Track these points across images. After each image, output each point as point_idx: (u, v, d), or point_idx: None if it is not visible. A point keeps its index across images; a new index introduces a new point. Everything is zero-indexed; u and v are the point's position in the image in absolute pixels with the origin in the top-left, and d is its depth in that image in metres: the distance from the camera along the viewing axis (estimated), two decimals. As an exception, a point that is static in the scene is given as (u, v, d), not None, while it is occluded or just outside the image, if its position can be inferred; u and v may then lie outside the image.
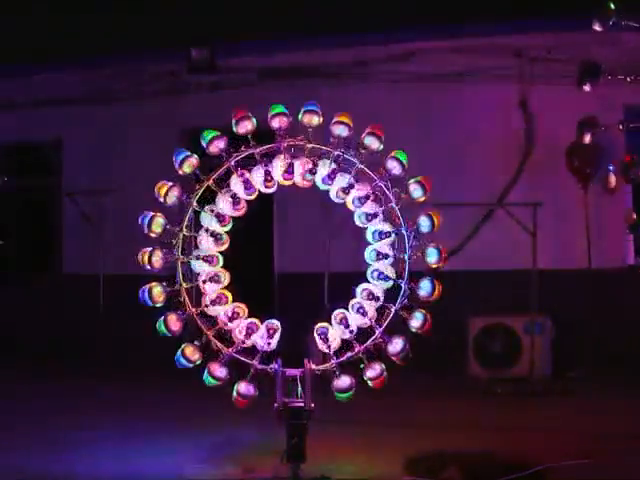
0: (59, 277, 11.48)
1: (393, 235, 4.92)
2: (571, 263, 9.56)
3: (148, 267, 4.96)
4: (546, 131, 9.72)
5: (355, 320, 4.94)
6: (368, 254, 4.93)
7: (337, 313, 4.96)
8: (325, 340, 4.91)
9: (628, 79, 4.95)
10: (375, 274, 4.93)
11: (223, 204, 4.95)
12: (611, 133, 8.86)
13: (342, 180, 4.94)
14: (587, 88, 5.06)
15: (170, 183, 5.01)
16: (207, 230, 4.98)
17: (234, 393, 4.96)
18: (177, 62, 10.41)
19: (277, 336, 4.98)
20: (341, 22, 9.81)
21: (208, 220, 4.98)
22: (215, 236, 4.93)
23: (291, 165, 4.90)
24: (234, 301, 5.04)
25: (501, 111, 9.88)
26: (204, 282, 4.95)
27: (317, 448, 5.14)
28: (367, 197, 4.89)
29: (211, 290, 4.98)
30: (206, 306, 4.98)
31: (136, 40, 10.13)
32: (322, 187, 5.00)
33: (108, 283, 10.22)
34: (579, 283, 9.32)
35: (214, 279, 4.97)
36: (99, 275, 10.27)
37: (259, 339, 4.96)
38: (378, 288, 4.97)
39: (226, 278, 5.00)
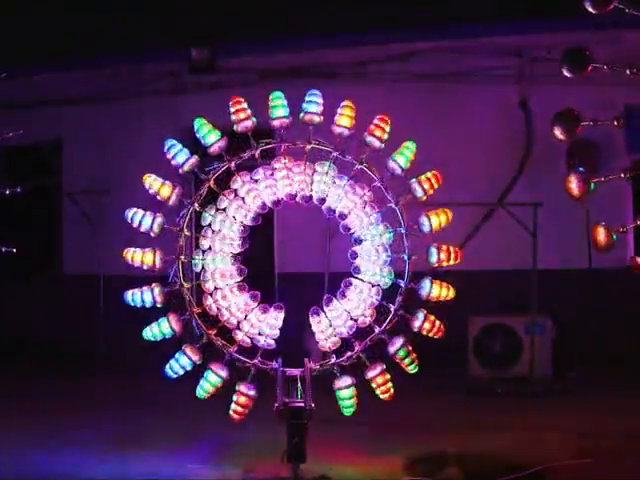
0: (59, 277, 11.48)
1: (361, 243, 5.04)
2: (571, 263, 9.56)
3: (145, 267, 5.00)
4: (546, 131, 9.69)
5: (341, 305, 5.01)
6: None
7: (324, 295, 5.08)
8: (317, 316, 4.98)
9: (628, 71, 4.89)
10: (352, 268, 5.11)
11: (243, 218, 5.05)
12: (611, 132, 8.88)
13: (334, 198, 5.04)
14: (565, 72, 5.00)
15: (168, 182, 5.05)
16: (219, 232, 5.02)
17: (234, 397, 4.99)
18: (177, 62, 10.41)
19: (282, 315, 5.04)
20: (341, 22, 9.81)
21: (228, 226, 5.03)
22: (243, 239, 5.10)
23: (294, 195, 5.07)
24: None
25: (501, 111, 9.88)
26: (239, 276, 5.09)
27: (317, 448, 5.15)
28: (345, 215, 5.06)
29: (223, 284, 5.06)
30: (231, 290, 5.07)
31: (136, 40, 10.13)
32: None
33: (108, 283, 10.21)
34: (579, 283, 9.32)
35: (242, 272, 5.10)
36: (99, 275, 10.27)
37: (266, 325, 5.00)
38: (362, 283, 5.03)
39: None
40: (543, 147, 9.70)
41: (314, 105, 4.99)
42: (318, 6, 9.69)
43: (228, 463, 5.88)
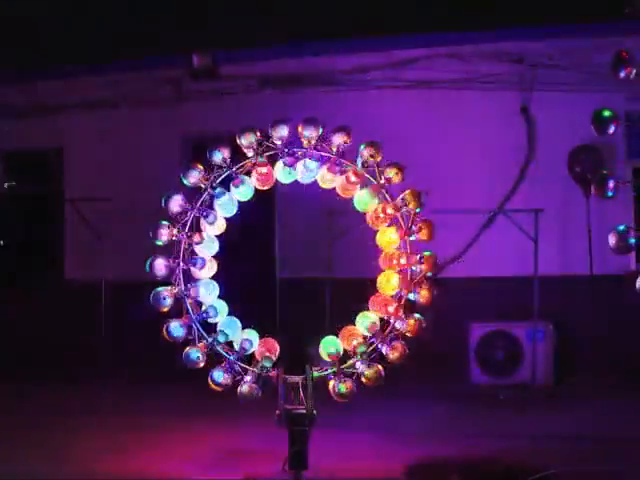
0: (60, 283, 11.47)
1: None
2: (573, 269, 9.55)
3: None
4: (547, 137, 9.73)
5: None
6: None
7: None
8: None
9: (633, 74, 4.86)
10: None
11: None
12: (612, 138, 8.88)
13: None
14: (621, 74, 4.96)
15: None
16: None
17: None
18: (179, 69, 10.44)
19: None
20: (341, 28, 9.82)
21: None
22: None
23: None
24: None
25: (502, 117, 9.89)
26: None
27: (319, 454, 5.14)
28: None
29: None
30: None
31: (137, 47, 10.15)
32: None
33: (109, 289, 10.21)
34: (581, 289, 9.32)
35: None
36: (101, 281, 10.25)
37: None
38: None
39: None
40: (544, 153, 9.72)
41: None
42: (318, 13, 9.72)
43: (229, 470, 5.87)
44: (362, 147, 4.97)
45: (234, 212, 5.09)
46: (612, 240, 4.44)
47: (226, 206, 5.02)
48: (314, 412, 4.95)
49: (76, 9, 10.49)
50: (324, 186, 5.09)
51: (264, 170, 5.01)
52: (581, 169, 9.26)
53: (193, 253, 5.07)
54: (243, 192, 5.06)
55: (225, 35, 10.04)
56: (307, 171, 4.99)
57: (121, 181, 10.73)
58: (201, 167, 5.04)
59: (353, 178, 4.98)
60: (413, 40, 9.98)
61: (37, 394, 8.94)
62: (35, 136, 11.37)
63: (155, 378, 8.56)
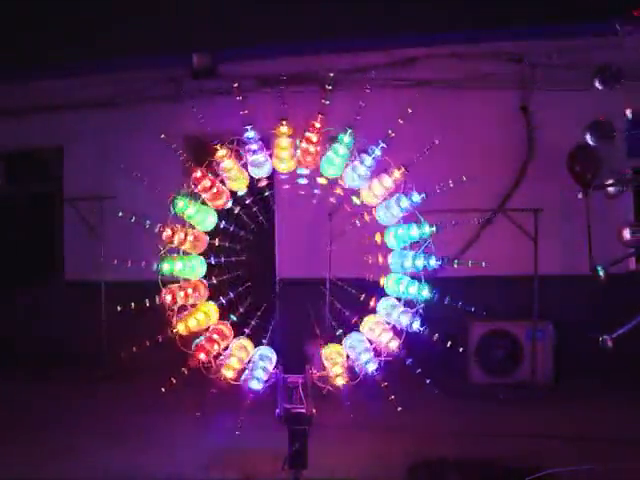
0: (60, 284, 11.47)
1: None
2: (573, 269, 9.55)
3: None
4: (547, 136, 9.73)
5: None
6: None
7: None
8: None
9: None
10: None
11: None
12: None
13: None
14: (597, 85, 5.00)
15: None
16: None
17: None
18: (178, 68, 10.44)
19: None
20: (341, 28, 9.83)
21: None
22: None
23: None
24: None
25: (502, 117, 9.89)
26: None
27: (319, 454, 5.14)
28: None
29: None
30: None
31: (137, 46, 10.16)
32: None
33: (109, 290, 10.21)
34: (581, 288, 9.31)
35: None
36: (100, 282, 10.26)
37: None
38: None
39: None
40: (544, 153, 9.72)
41: None
42: (318, 12, 9.72)
43: (229, 469, 5.88)
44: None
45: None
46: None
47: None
48: (313, 411, 4.95)
49: (76, 8, 10.50)
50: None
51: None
52: (581, 169, 9.26)
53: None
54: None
55: (225, 35, 10.05)
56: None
57: (121, 181, 10.72)
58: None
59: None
60: (413, 40, 9.98)
61: (37, 393, 8.95)
62: (35, 136, 11.38)
63: (152, 376, 8.52)
